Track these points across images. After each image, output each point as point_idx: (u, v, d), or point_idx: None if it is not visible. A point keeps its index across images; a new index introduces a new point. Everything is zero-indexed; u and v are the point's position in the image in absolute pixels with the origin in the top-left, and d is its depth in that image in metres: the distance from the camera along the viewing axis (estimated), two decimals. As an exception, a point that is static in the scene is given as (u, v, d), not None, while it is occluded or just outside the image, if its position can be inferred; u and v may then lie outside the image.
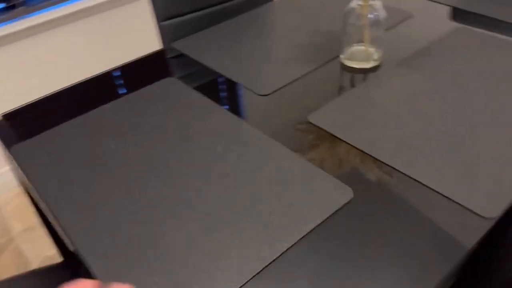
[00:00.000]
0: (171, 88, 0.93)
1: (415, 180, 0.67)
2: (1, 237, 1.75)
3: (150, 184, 0.70)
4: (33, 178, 0.73)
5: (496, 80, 0.87)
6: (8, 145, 0.82)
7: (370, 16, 0.87)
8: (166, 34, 1.24)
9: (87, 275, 0.58)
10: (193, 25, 1.27)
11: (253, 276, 0.56)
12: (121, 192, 0.69)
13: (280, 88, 0.90)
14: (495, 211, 0.62)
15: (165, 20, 1.23)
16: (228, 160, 0.73)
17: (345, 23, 0.90)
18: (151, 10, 1.30)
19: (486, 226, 0.60)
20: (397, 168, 0.70)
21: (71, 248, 0.63)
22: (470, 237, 0.59)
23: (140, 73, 1.00)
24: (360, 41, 0.92)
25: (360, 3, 0.86)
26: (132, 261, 0.59)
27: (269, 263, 0.57)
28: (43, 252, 1.68)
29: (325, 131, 0.78)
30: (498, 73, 0.89)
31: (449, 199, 0.64)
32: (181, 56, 1.05)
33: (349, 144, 0.75)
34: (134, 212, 0.65)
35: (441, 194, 0.65)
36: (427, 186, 0.66)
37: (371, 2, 0.87)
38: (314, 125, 0.80)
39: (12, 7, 1.73)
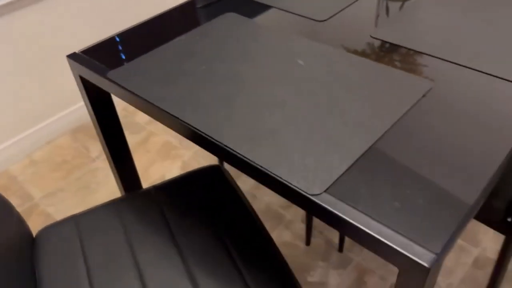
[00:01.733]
0: (234, 21, 1.02)
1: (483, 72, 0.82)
2: (24, 202, 1.77)
3: (245, 89, 0.80)
4: (138, 91, 0.81)
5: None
6: (102, 72, 0.89)
7: None
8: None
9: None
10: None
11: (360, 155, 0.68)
12: (224, 97, 0.79)
13: (335, 15, 1.02)
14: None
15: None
16: (312, 70, 0.84)
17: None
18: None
19: None
20: (459, 63, 0.84)
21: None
22: None
23: (191, 14, 1.08)
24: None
25: None
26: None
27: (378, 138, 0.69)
28: (70, 212, 1.72)
29: (387, 42, 0.91)
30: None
31: None
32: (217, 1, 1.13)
33: (411, 49, 0.88)
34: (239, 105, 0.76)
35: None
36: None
37: None
38: (377, 39, 0.92)
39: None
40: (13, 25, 1.72)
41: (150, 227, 0.95)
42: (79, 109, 2.09)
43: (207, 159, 1.89)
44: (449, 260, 1.45)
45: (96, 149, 2.00)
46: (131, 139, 2.05)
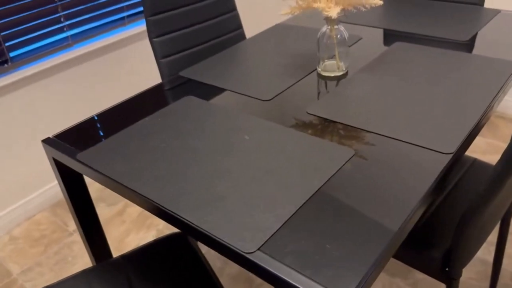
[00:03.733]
0: (192, 103, 1.17)
1: (390, 137, 0.96)
2: (3, 279, 1.81)
3: (198, 162, 0.93)
4: (105, 171, 0.93)
5: (426, 74, 1.20)
6: (73, 155, 1.01)
7: (337, 36, 1.18)
8: (164, 69, 1.48)
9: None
10: (185, 60, 1.53)
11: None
12: (182, 168, 0.91)
13: (278, 94, 1.18)
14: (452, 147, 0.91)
15: (163, 58, 1.48)
16: (256, 143, 0.98)
17: (320, 43, 1.21)
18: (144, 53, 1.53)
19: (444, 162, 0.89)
20: (379, 132, 0.98)
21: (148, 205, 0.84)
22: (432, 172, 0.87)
23: (155, 98, 1.23)
24: (330, 56, 1.23)
25: (329, 27, 1.18)
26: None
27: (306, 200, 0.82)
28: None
29: (320, 117, 1.06)
30: (426, 70, 1.22)
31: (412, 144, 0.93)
32: (178, 86, 1.29)
33: (339, 123, 1.03)
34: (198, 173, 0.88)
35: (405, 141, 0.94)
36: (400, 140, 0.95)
37: (336, 27, 1.18)
38: (312, 115, 1.07)
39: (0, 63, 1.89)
40: (-4, 111, 1.86)
41: (118, 294, 1.03)
42: (57, 185, 2.18)
43: (181, 226, 1.98)
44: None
45: (74, 223, 2.07)
46: (108, 211, 2.13)
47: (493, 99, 1.08)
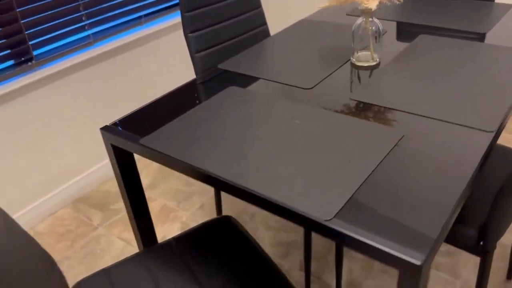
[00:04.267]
0: (237, 93, 1.23)
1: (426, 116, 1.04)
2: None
3: (256, 145, 0.99)
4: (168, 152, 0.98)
5: (454, 62, 1.28)
6: (134, 140, 1.06)
7: (373, 29, 1.26)
8: (198, 63, 1.54)
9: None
10: (217, 55, 1.60)
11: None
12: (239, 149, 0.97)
13: (318, 83, 1.25)
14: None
15: (197, 52, 1.54)
16: (306, 127, 1.04)
17: (355, 34, 1.28)
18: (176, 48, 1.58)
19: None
20: (422, 114, 1.06)
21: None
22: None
23: (198, 90, 1.29)
24: (364, 48, 1.31)
25: (365, 19, 1.25)
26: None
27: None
28: (79, 278, 1.80)
29: (364, 102, 1.13)
30: (453, 59, 1.31)
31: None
32: (217, 77, 1.35)
33: (383, 107, 1.10)
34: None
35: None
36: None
37: (371, 19, 1.26)
38: (355, 100, 1.14)
39: (25, 61, 1.93)
40: (15, 110, 1.90)
41: (176, 274, 1.08)
42: (78, 181, 2.21)
43: (204, 217, 2.03)
44: (436, 291, 1.60)
45: (97, 217, 2.11)
46: (130, 206, 2.17)
47: (521, 84, 1.17)
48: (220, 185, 0.92)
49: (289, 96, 1.20)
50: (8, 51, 1.87)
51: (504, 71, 1.24)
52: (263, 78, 1.30)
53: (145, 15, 2.31)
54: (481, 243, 1.16)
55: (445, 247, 1.79)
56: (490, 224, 1.12)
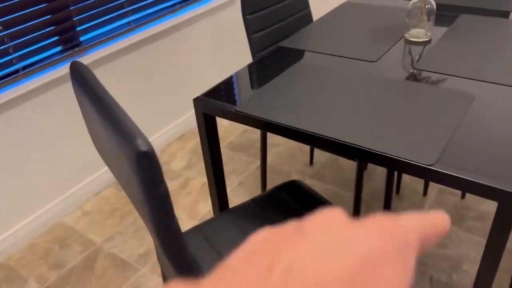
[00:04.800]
0: (304, 67, 1.35)
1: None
2: (88, 248, 1.94)
3: (342, 108, 1.11)
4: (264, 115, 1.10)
5: (496, 38, 1.43)
6: (229, 107, 1.17)
7: (428, 7, 1.39)
8: (255, 43, 1.65)
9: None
10: (270, 36, 1.71)
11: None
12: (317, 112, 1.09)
13: (381, 56, 1.37)
14: None
15: (254, 33, 1.65)
16: (383, 93, 1.17)
17: (411, 12, 1.41)
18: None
19: None
20: (485, 80, 1.19)
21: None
22: None
23: (269, 65, 1.40)
24: (416, 24, 1.44)
25: (420, -1, 1.38)
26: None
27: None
28: (134, 252, 1.90)
29: (428, 71, 1.26)
30: (495, 35, 1.45)
31: None
32: (274, 56, 1.47)
33: (448, 74, 1.23)
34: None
35: None
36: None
37: (426, -1, 1.39)
38: (421, 70, 1.27)
39: (72, 47, 2.01)
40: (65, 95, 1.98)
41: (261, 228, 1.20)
42: (122, 162, 2.30)
43: (245, 194, 2.15)
44: (471, 253, 1.75)
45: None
46: (171, 185, 2.27)
47: None
48: (315, 141, 1.04)
49: (358, 68, 1.32)
50: (57, 37, 1.95)
51: (546, 44, 1.39)
52: (327, 53, 1.42)
53: (179, 2, 2.40)
54: None
55: (474, 212, 1.94)
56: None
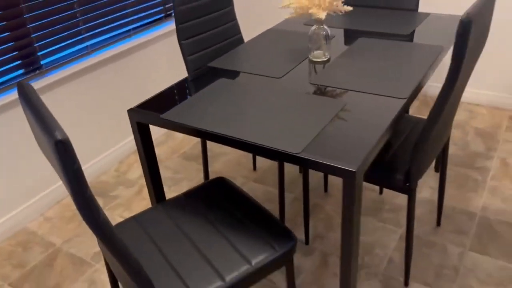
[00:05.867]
0: (226, 83, 1.65)
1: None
2: (48, 249, 2.16)
3: (245, 113, 1.40)
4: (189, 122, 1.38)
5: (384, 56, 1.76)
6: (156, 116, 1.45)
7: (323, 33, 1.71)
8: (191, 64, 1.95)
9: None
10: (203, 58, 2.01)
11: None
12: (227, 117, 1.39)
13: (286, 74, 1.68)
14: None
15: (189, 55, 1.95)
16: (278, 102, 1.47)
17: (311, 38, 1.73)
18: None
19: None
20: (356, 90, 1.51)
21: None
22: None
23: (195, 82, 1.70)
24: (317, 48, 1.76)
25: (317, 26, 1.70)
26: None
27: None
28: (91, 251, 2.13)
29: (319, 85, 1.57)
30: (384, 53, 1.78)
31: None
32: (203, 74, 1.77)
33: (332, 87, 1.55)
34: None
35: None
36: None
37: (322, 26, 1.71)
38: (314, 84, 1.58)
39: (34, 70, 2.27)
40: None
41: (191, 219, 1.47)
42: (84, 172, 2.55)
43: (194, 197, 2.41)
44: (383, 239, 2.05)
45: (99, 202, 2.44)
46: (128, 192, 2.52)
47: (430, 66, 1.65)
48: (220, 140, 1.33)
49: (266, 83, 1.62)
50: (19, 61, 2.21)
51: (416, 58, 1.72)
52: (245, 72, 1.73)
53: (133, 29, 2.69)
54: (407, 184, 1.62)
55: (389, 205, 2.25)
56: (411, 169, 1.58)
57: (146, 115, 1.48)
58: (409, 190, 1.63)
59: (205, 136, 1.36)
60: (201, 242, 1.38)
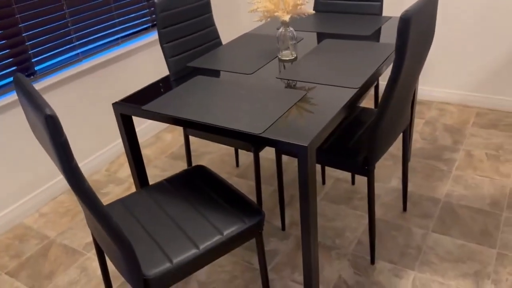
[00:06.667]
0: (203, 79, 1.83)
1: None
2: (43, 241, 2.32)
3: (216, 103, 1.59)
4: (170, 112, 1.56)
5: (346, 53, 1.95)
6: (138, 108, 1.63)
7: (289, 34, 1.90)
8: (172, 65, 2.14)
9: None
10: (184, 59, 2.19)
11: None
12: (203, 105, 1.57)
13: (256, 70, 1.87)
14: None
15: (171, 57, 2.14)
16: (248, 93, 1.65)
17: (279, 38, 1.92)
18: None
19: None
20: (317, 82, 1.69)
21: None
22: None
23: (176, 79, 1.88)
24: (285, 48, 1.95)
25: (284, 28, 1.90)
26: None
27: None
28: (84, 242, 2.29)
29: (284, 79, 1.76)
30: (346, 51, 1.97)
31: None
32: (188, 71, 1.95)
33: (295, 80, 1.73)
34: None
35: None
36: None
37: (288, 28, 1.90)
38: (279, 78, 1.77)
39: (28, 75, 2.45)
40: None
41: (174, 202, 1.64)
42: (74, 171, 2.72)
43: (180, 191, 2.58)
44: (354, 224, 2.22)
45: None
46: (117, 189, 2.69)
47: (384, 61, 1.84)
48: (192, 125, 1.51)
49: (238, 79, 1.81)
50: (15, 67, 2.39)
51: (373, 55, 1.91)
52: (220, 69, 1.91)
53: (122, 37, 2.88)
54: (366, 167, 1.80)
55: (360, 194, 2.42)
56: (370, 153, 1.76)
57: (129, 107, 1.66)
58: (368, 172, 1.80)
59: (182, 123, 1.54)
60: (179, 218, 1.54)
